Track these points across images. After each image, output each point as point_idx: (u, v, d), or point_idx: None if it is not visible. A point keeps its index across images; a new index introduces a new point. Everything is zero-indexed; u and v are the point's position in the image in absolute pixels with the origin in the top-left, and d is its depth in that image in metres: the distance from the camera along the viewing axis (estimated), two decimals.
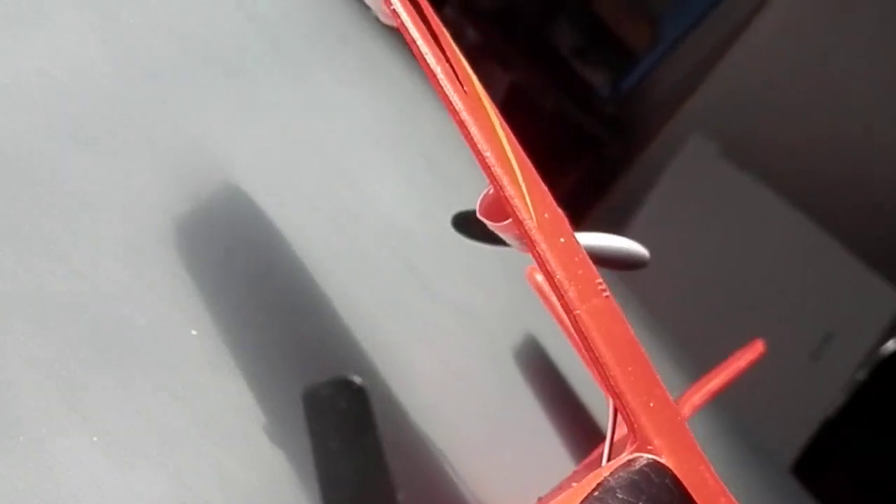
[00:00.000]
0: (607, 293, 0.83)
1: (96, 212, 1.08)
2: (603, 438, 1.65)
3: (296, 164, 1.46)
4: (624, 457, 0.77)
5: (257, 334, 1.16)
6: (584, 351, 1.48)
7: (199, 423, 1.00)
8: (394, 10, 0.86)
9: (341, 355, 1.29)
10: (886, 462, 3.09)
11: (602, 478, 0.75)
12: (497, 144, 0.83)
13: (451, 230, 1.74)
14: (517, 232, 0.85)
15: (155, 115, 1.25)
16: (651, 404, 0.78)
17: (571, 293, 0.79)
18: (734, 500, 0.83)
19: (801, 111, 3.30)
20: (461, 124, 0.83)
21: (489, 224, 0.88)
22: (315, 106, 1.61)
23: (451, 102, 0.83)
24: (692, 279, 3.22)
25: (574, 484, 0.96)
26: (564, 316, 1.54)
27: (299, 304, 1.28)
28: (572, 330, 1.51)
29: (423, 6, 0.89)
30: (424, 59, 0.84)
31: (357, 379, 1.09)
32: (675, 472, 0.77)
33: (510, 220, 0.85)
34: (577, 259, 0.82)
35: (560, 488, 0.93)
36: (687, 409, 1.43)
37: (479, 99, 0.86)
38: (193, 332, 1.07)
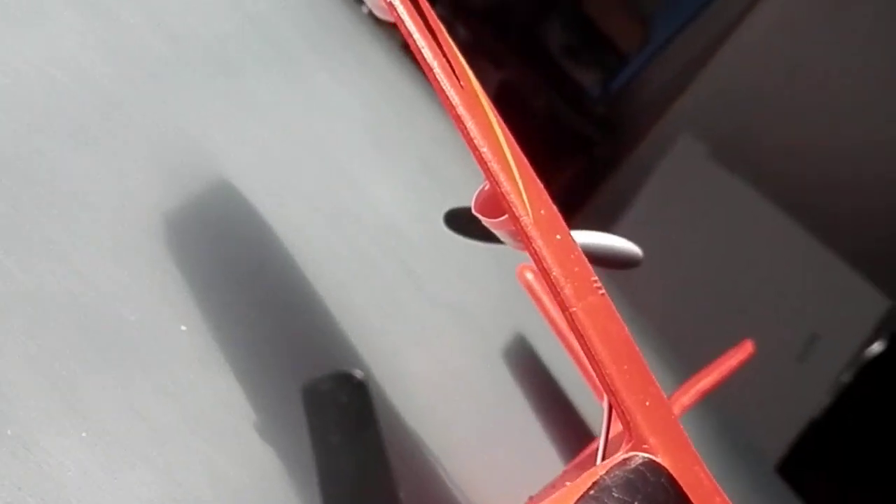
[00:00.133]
0: (602, 291, 0.83)
1: (95, 211, 1.07)
2: (592, 437, 1.66)
3: (294, 163, 1.46)
4: (619, 456, 0.77)
5: (249, 331, 1.16)
6: (578, 349, 1.49)
7: (190, 419, 0.99)
8: (390, 3, 0.85)
9: (334, 353, 1.28)
10: (870, 462, 3.10)
11: (598, 476, 0.74)
12: (494, 140, 0.83)
13: (445, 230, 1.74)
14: (512, 228, 0.84)
15: (154, 115, 1.24)
16: (647, 403, 0.78)
17: (567, 290, 0.78)
18: (728, 499, 0.82)
19: (789, 113, 3.31)
20: (458, 119, 0.82)
21: (484, 220, 0.87)
22: (313, 106, 1.61)
23: (447, 98, 0.82)
24: (680, 279, 3.22)
25: (567, 483, 0.95)
26: (555, 314, 1.54)
27: (293, 302, 1.27)
28: (564, 328, 1.52)
29: (419, 1, 0.89)
30: (421, 54, 0.84)
31: (358, 373, 1.08)
32: (671, 471, 0.76)
33: (505, 216, 0.84)
34: (572, 256, 0.82)
35: (553, 487, 0.93)
36: (677, 409, 1.43)
37: (476, 95, 0.86)
38: (183, 328, 1.06)
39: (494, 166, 0.81)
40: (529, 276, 1.55)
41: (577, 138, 3.24)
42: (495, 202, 0.85)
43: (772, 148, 3.31)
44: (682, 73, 3.33)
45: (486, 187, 0.85)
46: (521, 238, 0.81)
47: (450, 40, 0.89)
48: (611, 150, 3.31)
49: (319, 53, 1.77)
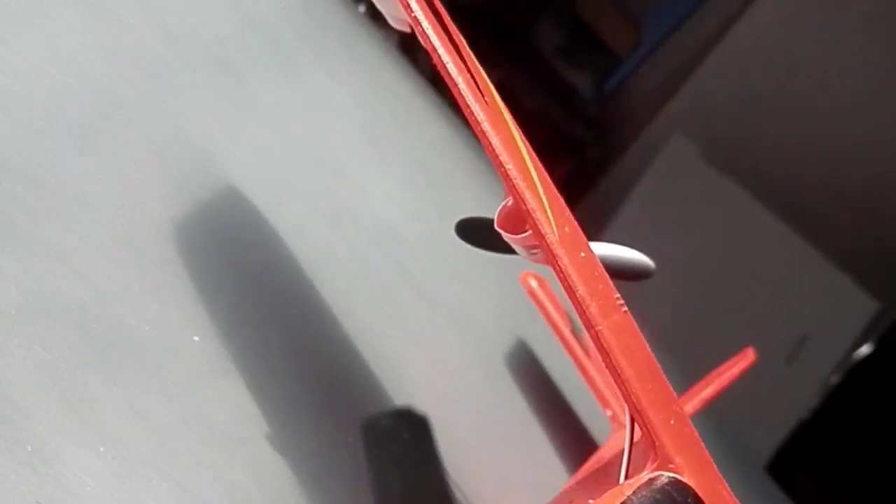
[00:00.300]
0: (625, 308, 0.83)
1: (96, 212, 1.06)
2: (590, 439, 1.66)
3: (294, 164, 1.45)
4: (645, 475, 0.77)
5: (256, 337, 1.15)
6: (582, 356, 1.49)
7: (202, 430, 0.99)
8: (414, 17, 0.85)
9: (339, 359, 1.28)
10: (859, 463, 3.12)
11: (625, 497, 0.74)
12: (518, 157, 0.82)
13: (443, 233, 1.73)
14: (534, 244, 0.84)
15: (154, 115, 1.23)
16: (671, 422, 0.78)
17: (593, 308, 0.78)
18: None
19: (781, 115, 3.32)
20: (482, 135, 0.82)
21: (506, 236, 0.87)
22: (311, 106, 1.60)
23: (472, 113, 0.82)
24: (670, 280, 3.22)
25: (572, 501, 0.95)
26: (557, 320, 1.54)
27: (297, 305, 1.27)
28: (567, 335, 1.52)
29: (441, 14, 0.88)
30: (445, 68, 0.83)
31: (419, 410, 1.08)
32: (697, 490, 0.77)
33: (528, 232, 0.84)
34: (596, 273, 0.82)
35: (570, 502, 0.92)
36: None
37: (500, 110, 0.86)
38: (196, 338, 1.06)
39: (520, 184, 0.80)
40: (533, 282, 1.55)
41: (569, 139, 3.24)
42: (518, 218, 0.84)
43: (763, 149, 3.32)
44: (674, 74, 3.33)
45: (509, 203, 0.85)
46: (547, 256, 0.81)
47: (471, 54, 0.89)
48: (603, 150, 3.31)
49: (316, 53, 1.76)
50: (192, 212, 1.19)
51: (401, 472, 0.99)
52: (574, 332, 1.54)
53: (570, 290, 0.79)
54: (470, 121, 0.83)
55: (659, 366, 0.83)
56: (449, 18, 0.89)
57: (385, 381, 1.31)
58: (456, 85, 0.83)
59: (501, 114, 0.86)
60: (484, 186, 1.96)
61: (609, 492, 0.77)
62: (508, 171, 0.81)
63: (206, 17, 1.44)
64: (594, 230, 3.25)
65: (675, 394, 0.82)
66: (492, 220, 1.15)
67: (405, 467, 1.01)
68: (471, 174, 1.97)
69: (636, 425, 0.82)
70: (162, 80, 1.29)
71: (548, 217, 0.81)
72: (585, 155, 3.29)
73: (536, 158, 0.87)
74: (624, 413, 1.46)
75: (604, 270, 0.84)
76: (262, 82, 1.50)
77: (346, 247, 1.43)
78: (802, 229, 3.24)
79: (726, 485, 0.82)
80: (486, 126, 0.81)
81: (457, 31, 0.88)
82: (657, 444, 0.78)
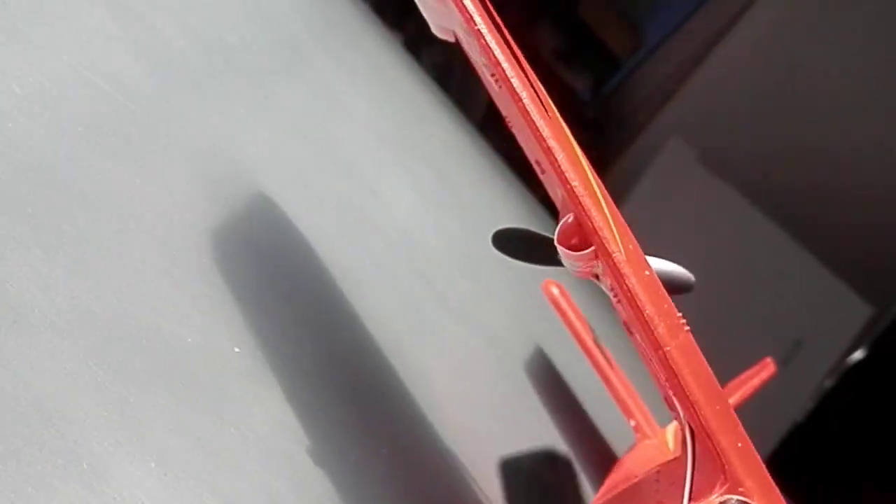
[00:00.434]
0: (688, 328, 0.82)
1: (137, 222, 1.05)
2: (609, 450, 1.65)
3: (318, 170, 1.44)
4: (715, 499, 0.77)
5: (294, 349, 1.14)
6: (605, 366, 1.48)
7: (248, 445, 0.98)
8: (478, 31, 0.84)
9: (370, 369, 1.27)
10: (853, 466, 3.14)
11: None
12: (583, 173, 0.82)
13: (461, 240, 1.73)
14: (599, 263, 0.83)
15: (186, 121, 1.22)
16: (739, 444, 0.78)
17: (661, 329, 0.78)
18: None
19: (779, 119, 3.33)
20: (548, 152, 0.81)
21: (565, 253, 0.86)
22: (331, 111, 1.59)
23: (537, 129, 0.82)
24: None
25: None
26: (580, 329, 1.54)
27: (330, 317, 1.26)
28: (590, 345, 1.51)
29: (502, 28, 0.88)
30: (509, 82, 0.83)
31: (560, 451, 1.06)
32: None
33: (589, 249, 0.83)
34: (660, 293, 0.81)
35: None
36: None
37: (560, 124, 0.85)
38: (237, 349, 1.05)
39: (586, 201, 0.80)
40: (555, 290, 1.55)
41: None
42: (579, 235, 0.84)
43: (760, 154, 3.33)
44: (672, 77, 3.34)
45: (570, 220, 0.84)
46: (612, 274, 0.80)
47: (529, 68, 0.89)
48: (600, 153, 3.31)
49: (332, 55, 1.75)
50: (225, 221, 1.18)
51: None
52: (596, 340, 1.53)
53: (637, 310, 0.78)
54: (534, 136, 0.82)
55: (721, 389, 0.83)
56: (507, 33, 0.89)
57: (413, 391, 1.30)
58: (520, 99, 0.82)
59: (563, 129, 0.85)
60: (497, 191, 1.96)
61: None
62: (574, 189, 0.80)
63: (230, 21, 1.43)
64: None
65: (736, 417, 0.82)
66: (528, 231, 1.15)
67: None
68: (483, 179, 1.96)
69: (696, 445, 0.82)
70: (191, 86, 1.28)
71: (614, 235, 0.80)
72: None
73: (596, 174, 0.86)
74: (644, 426, 1.46)
75: (664, 289, 0.83)
76: (284, 87, 1.49)
77: (370, 255, 1.42)
78: (798, 234, 3.25)
79: None
80: (552, 143, 0.81)
81: (515, 46, 0.88)
82: (727, 467, 0.77)
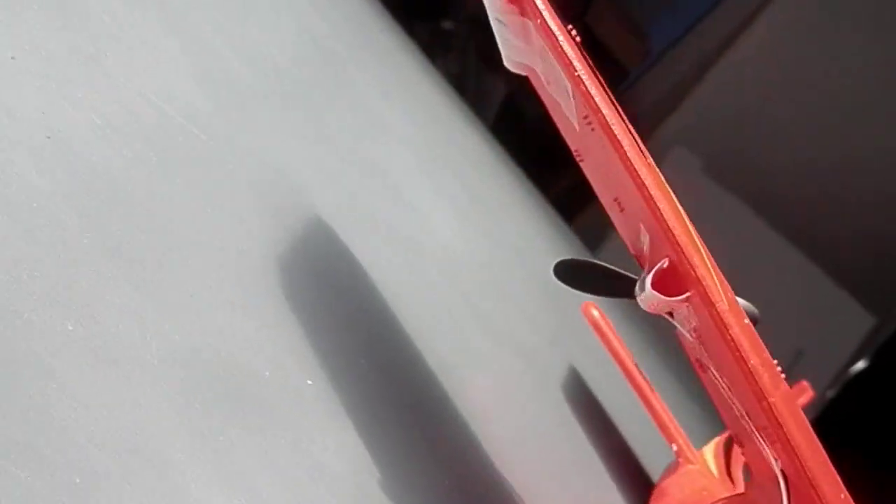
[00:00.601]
0: (784, 375, 0.83)
1: (209, 253, 1.05)
2: (643, 472, 1.66)
3: (365, 193, 1.45)
4: None
5: (358, 378, 1.14)
6: (647, 389, 1.49)
7: (326, 478, 0.98)
8: (577, 76, 0.84)
9: (424, 390, 1.28)
10: (854, 478, 3.16)
11: None
12: (683, 223, 0.82)
13: (498, 261, 1.73)
14: (686, 306, 0.84)
15: (247, 147, 1.22)
16: (842, 496, 0.79)
17: (765, 379, 0.79)
18: None
19: (781, 129, 3.35)
20: (649, 199, 0.82)
21: (659, 297, 0.87)
22: (372, 130, 1.59)
23: (638, 177, 0.82)
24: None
25: None
26: (620, 351, 1.54)
27: (388, 342, 1.27)
28: (631, 367, 1.52)
29: (598, 75, 0.88)
30: (611, 130, 0.83)
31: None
32: None
33: (686, 294, 0.84)
34: (759, 342, 0.82)
35: None
36: None
37: (657, 173, 0.86)
38: (309, 382, 1.05)
39: (689, 250, 0.80)
40: (595, 313, 1.55)
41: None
42: (675, 280, 0.84)
43: (763, 164, 3.34)
44: (676, 87, 3.35)
45: (666, 265, 0.85)
46: (716, 324, 0.80)
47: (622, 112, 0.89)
48: None
49: (371, 73, 1.75)
50: (287, 249, 1.18)
51: None
52: (636, 364, 1.54)
53: (742, 361, 0.79)
54: (635, 184, 0.83)
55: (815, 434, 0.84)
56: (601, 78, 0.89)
57: (467, 421, 1.31)
58: (621, 147, 0.83)
59: (660, 176, 0.86)
60: (525, 210, 1.96)
61: None
62: (677, 237, 0.81)
63: (280, 42, 1.42)
64: (595, 242, 3.27)
65: (833, 467, 0.83)
66: (590, 262, 1.16)
67: None
68: (513, 199, 1.97)
69: (791, 490, 0.82)
70: (247, 109, 1.27)
71: (716, 285, 0.80)
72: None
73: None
74: (686, 451, 1.47)
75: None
76: (329, 108, 1.49)
77: (418, 278, 1.43)
78: (801, 243, 3.28)
79: None
80: (654, 192, 0.81)
81: (609, 91, 0.88)
82: None
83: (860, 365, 3.24)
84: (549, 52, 0.87)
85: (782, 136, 3.35)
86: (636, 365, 1.53)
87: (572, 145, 1.09)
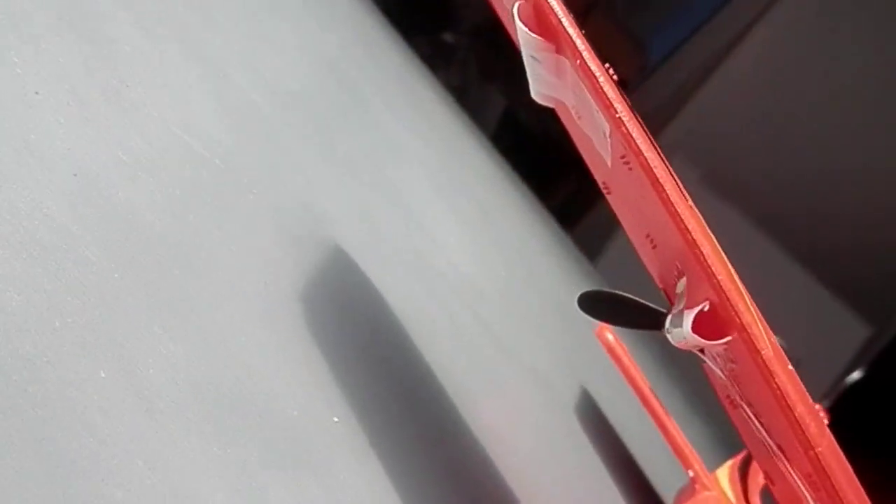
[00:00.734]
0: (827, 421, 0.82)
1: (235, 287, 1.03)
2: (654, 494, 1.65)
3: (382, 218, 1.43)
4: None
5: (377, 407, 1.13)
6: (662, 414, 1.48)
7: None
8: (618, 118, 0.83)
9: (445, 423, 1.26)
10: None
11: None
12: (726, 268, 0.81)
13: (511, 284, 1.72)
14: (736, 354, 0.83)
15: (268, 178, 1.21)
16: None
17: (812, 429, 0.78)
18: None
19: (778, 141, 3.35)
20: (692, 244, 0.81)
21: (700, 340, 0.85)
22: (386, 154, 1.58)
23: (681, 220, 0.81)
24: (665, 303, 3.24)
25: None
26: (635, 374, 1.53)
27: (405, 370, 1.25)
28: (646, 391, 1.51)
29: (638, 117, 0.87)
30: (653, 173, 0.82)
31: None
32: None
33: (727, 338, 0.83)
34: (803, 390, 0.81)
35: None
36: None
37: (698, 215, 0.85)
38: (335, 419, 1.03)
39: (734, 296, 0.79)
40: (610, 337, 1.54)
41: (572, 160, 3.23)
42: (716, 324, 0.83)
43: (760, 174, 3.35)
44: (673, 98, 3.35)
45: (706, 308, 0.84)
46: (761, 370, 0.79)
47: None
48: None
49: (383, 97, 1.74)
50: (309, 281, 1.17)
51: None
52: (651, 388, 1.54)
53: (788, 410, 0.78)
54: (677, 227, 0.82)
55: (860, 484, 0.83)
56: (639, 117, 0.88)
57: (465, 433, 1.30)
58: (663, 190, 0.82)
59: (700, 219, 0.85)
60: (535, 232, 1.96)
61: None
62: (721, 283, 0.80)
63: (297, 70, 1.41)
64: (595, 251, 3.26)
65: None
66: (616, 294, 1.15)
67: None
68: (526, 226, 1.96)
69: None
70: (267, 138, 1.26)
71: (760, 331, 0.80)
72: (588, 175, 3.28)
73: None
74: (702, 476, 1.46)
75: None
76: (346, 134, 1.48)
77: (434, 303, 1.41)
78: (797, 253, 3.28)
79: None
80: (697, 236, 0.80)
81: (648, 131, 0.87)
82: None
83: (856, 375, 3.24)
84: (586, 91, 0.86)
85: (779, 147, 3.35)
86: (651, 389, 1.52)
87: (600, 178, 1.08)
